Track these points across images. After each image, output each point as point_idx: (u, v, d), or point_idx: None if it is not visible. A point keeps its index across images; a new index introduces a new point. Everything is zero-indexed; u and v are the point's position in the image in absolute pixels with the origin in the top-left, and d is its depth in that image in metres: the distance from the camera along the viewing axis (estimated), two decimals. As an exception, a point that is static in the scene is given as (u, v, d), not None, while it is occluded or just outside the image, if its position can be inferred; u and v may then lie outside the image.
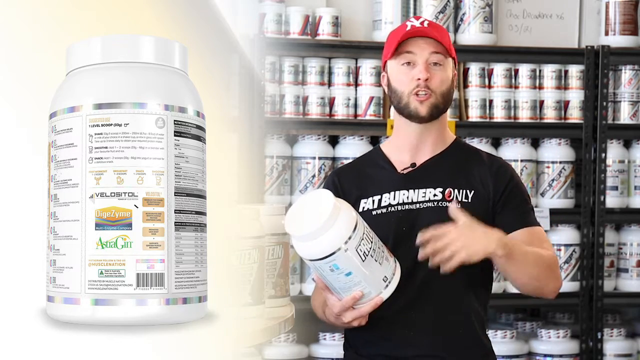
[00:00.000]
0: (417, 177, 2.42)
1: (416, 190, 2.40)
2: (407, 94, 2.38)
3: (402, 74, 2.40)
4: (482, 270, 2.41)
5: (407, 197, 2.40)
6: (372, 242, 2.11)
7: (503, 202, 2.40)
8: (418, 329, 2.38)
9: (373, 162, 2.50)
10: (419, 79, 2.36)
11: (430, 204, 2.38)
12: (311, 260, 2.08)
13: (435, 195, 2.39)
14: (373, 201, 2.42)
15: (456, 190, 2.39)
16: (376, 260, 2.12)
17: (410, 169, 2.43)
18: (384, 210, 2.40)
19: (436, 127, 2.44)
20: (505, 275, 2.38)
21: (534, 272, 2.32)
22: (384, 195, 2.41)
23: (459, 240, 2.17)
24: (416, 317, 2.37)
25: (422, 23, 2.41)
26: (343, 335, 2.54)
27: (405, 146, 2.45)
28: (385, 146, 2.51)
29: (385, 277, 2.15)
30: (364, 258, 2.08)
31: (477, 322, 2.42)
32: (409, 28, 2.40)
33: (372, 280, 2.13)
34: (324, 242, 2.05)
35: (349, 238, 2.05)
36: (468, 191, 2.39)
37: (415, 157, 2.45)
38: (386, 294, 2.17)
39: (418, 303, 2.37)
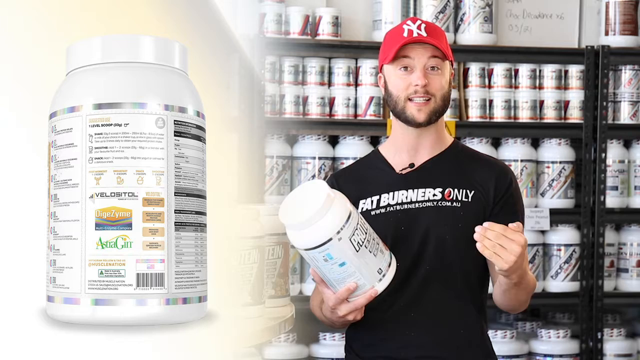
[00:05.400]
0: (416, 177, 2.42)
1: (415, 190, 2.40)
2: (404, 99, 2.38)
3: (399, 78, 2.39)
4: (479, 270, 2.42)
5: (406, 197, 2.40)
6: (366, 233, 2.10)
7: (500, 206, 2.41)
8: (418, 329, 2.38)
9: (371, 164, 2.51)
10: (417, 84, 2.36)
11: (429, 204, 2.39)
12: (305, 249, 2.07)
13: (434, 195, 2.39)
14: (372, 201, 2.42)
15: (456, 190, 2.39)
16: (370, 252, 2.10)
17: (409, 169, 2.44)
18: (383, 210, 2.40)
19: (434, 129, 2.44)
20: (500, 294, 2.36)
21: (524, 298, 2.39)
22: (382, 196, 2.41)
23: (518, 254, 2.13)
24: (416, 317, 2.37)
25: (419, 27, 2.39)
26: (344, 336, 2.53)
27: (404, 148, 2.45)
28: (383, 148, 2.52)
29: (380, 269, 2.14)
30: (357, 248, 2.07)
31: (477, 322, 2.42)
32: (406, 33, 2.38)
33: (366, 271, 2.12)
34: (317, 231, 2.04)
35: (343, 227, 2.04)
36: (468, 191, 2.39)
37: (414, 159, 2.45)
38: (381, 286, 2.15)
39: (417, 303, 2.37)
